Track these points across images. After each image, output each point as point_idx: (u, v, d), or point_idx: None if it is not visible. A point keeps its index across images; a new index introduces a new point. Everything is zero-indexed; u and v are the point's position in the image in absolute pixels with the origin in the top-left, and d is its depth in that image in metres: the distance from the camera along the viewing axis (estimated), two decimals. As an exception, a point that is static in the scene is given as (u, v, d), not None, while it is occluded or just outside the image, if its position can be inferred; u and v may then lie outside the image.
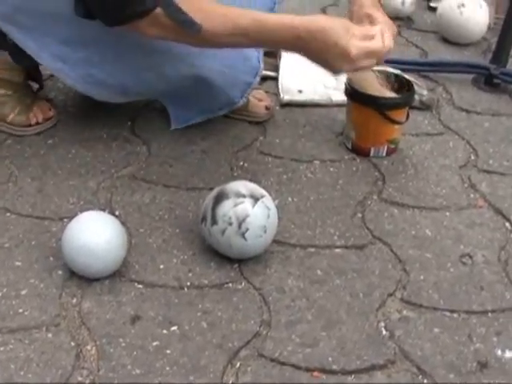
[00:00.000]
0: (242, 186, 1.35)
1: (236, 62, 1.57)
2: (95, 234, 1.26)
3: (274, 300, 1.30)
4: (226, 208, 1.31)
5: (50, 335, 1.19)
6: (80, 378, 1.12)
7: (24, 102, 1.68)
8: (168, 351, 1.18)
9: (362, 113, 1.69)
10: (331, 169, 1.69)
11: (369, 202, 1.59)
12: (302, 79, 1.98)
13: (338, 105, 1.93)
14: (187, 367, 1.15)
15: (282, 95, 1.93)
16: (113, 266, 1.29)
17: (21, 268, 1.32)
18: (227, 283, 1.33)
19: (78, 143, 1.68)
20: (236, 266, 1.37)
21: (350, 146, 1.75)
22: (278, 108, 1.92)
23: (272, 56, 2.07)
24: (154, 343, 1.19)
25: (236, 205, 1.31)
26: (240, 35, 1.33)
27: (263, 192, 1.36)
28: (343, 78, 1.90)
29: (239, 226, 1.30)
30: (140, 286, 1.31)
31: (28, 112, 1.68)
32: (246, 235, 1.31)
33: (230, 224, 1.30)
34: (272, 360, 1.18)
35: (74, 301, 1.26)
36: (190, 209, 1.51)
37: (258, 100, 1.83)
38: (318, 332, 1.24)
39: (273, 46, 1.59)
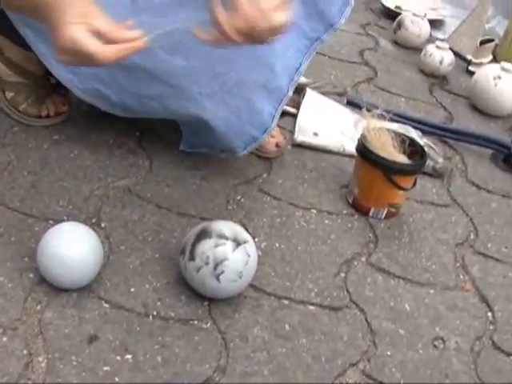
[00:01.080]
0: (228, 227, 1.36)
1: (244, 112, 1.55)
2: (71, 246, 1.28)
3: (235, 347, 1.31)
4: (206, 247, 1.32)
5: (4, 339, 1.21)
6: (23, 390, 1.14)
7: (39, 93, 1.70)
8: (116, 379, 1.19)
9: (369, 172, 1.70)
10: (326, 221, 1.70)
11: (355, 263, 1.60)
12: (320, 121, 2.00)
13: (351, 155, 1.93)
14: (131, 400, 1.17)
15: (296, 135, 1.94)
16: (83, 281, 1.31)
17: (-8, 263, 1.34)
18: (193, 320, 1.34)
19: (83, 144, 1.70)
20: (206, 303, 1.38)
21: (350, 201, 1.76)
22: (289, 147, 1.92)
23: (296, 92, 2.08)
24: (105, 368, 1.21)
25: (216, 246, 1.32)
26: None
27: (247, 237, 1.37)
28: (362, 128, 1.92)
29: (215, 267, 1.32)
30: (106, 305, 1.32)
31: (41, 104, 1.70)
32: (221, 277, 1.32)
33: (207, 264, 1.32)
34: (216, 410, 1.19)
35: (38, 307, 1.28)
36: (175, 235, 1.53)
37: (271, 136, 1.84)
38: (270, 390, 1.25)
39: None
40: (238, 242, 1.34)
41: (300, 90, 2.09)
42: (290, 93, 1.66)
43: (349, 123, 2.03)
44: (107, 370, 1.20)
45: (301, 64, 1.62)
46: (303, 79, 2.13)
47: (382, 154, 1.69)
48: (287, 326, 1.39)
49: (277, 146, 1.85)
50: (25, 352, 1.20)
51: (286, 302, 1.45)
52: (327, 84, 2.18)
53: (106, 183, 1.61)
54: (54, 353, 1.21)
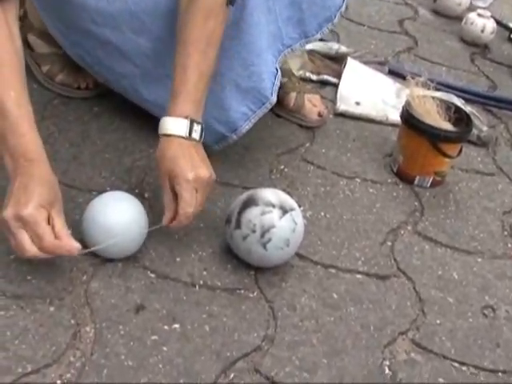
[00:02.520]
0: (274, 194, 1.33)
1: (209, 105, 1.37)
2: (116, 214, 1.25)
3: (283, 316, 1.28)
4: (253, 215, 1.29)
5: (52, 308, 1.19)
6: (72, 359, 1.12)
7: (74, 64, 1.67)
8: (165, 348, 1.17)
9: (414, 140, 1.65)
10: (371, 190, 1.66)
11: (402, 232, 1.55)
12: (361, 91, 1.95)
13: (393, 124, 1.89)
14: (180, 369, 1.14)
15: (338, 104, 1.90)
16: (128, 250, 1.28)
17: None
18: (239, 289, 1.31)
19: (123, 116, 1.67)
20: (252, 272, 1.35)
21: (395, 170, 1.71)
22: (331, 116, 1.88)
23: (337, 62, 2.04)
24: (153, 337, 1.18)
25: (263, 213, 1.29)
26: None
27: (294, 205, 1.33)
28: (405, 97, 1.87)
29: (262, 235, 1.28)
30: (152, 275, 1.30)
31: (77, 74, 1.68)
32: (268, 245, 1.29)
33: (254, 231, 1.28)
34: (267, 378, 1.16)
35: (84, 278, 1.26)
36: (219, 204, 1.50)
37: (313, 105, 1.80)
38: (319, 358, 1.22)
39: None
40: (284, 210, 1.30)
41: (341, 60, 2.05)
42: (274, 99, 1.53)
43: (391, 92, 1.98)
44: (155, 340, 1.18)
45: (277, 69, 1.52)
46: (344, 48, 2.08)
47: (428, 121, 1.64)
48: (335, 295, 1.35)
49: (319, 115, 1.80)
50: (72, 322, 1.17)
51: (333, 270, 1.41)
52: (368, 53, 2.13)
53: (147, 154, 1.58)
54: (102, 322, 1.18)
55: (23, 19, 1.69)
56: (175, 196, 1.27)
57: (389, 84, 2.01)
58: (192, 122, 1.29)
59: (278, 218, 1.29)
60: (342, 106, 1.89)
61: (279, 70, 1.52)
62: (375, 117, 1.89)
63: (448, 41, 2.48)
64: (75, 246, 1.16)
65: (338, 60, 2.04)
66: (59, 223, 1.17)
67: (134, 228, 1.26)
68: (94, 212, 1.26)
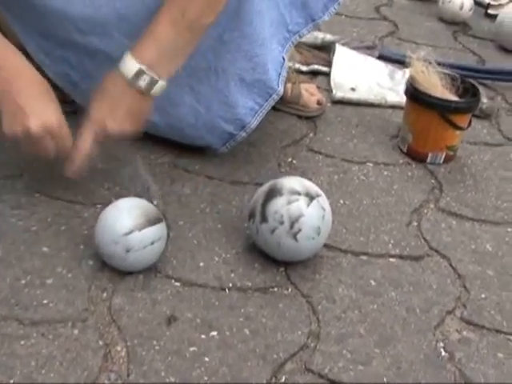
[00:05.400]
0: (297, 182, 1.21)
1: (214, 103, 1.28)
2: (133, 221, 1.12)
3: (324, 309, 1.16)
4: (279, 205, 1.16)
5: (75, 331, 1.05)
6: (107, 382, 0.98)
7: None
8: (206, 359, 1.03)
9: (423, 115, 1.55)
10: (385, 172, 1.55)
11: (425, 211, 1.44)
12: (355, 76, 1.84)
13: (393, 106, 1.79)
14: (227, 378, 1.01)
15: (334, 91, 1.79)
16: (148, 260, 1.15)
17: (48, 254, 1.18)
18: (272, 287, 1.19)
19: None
20: (282, 269, 1.23)
21: (405, 150, 1.60)
22: (329, 104, 1.77)
23: (324, 50, 1.93)
24: (191, 348, 1.05)
25: (289, 202, 1.16)
26: None
27: (319, 191, 1.21)
28: (399, 79, 1.76)
29: (291, 225, 1.16)
30: (177, 283, 1.17)
31: (58, 88, 1.53)
32: (298, 236, 1.16)
33: (282, 223, 1.16)
34: (321, 376, 1.04)
35: (105, 295, 1.12)
36: (233, 204, 1.37)
37: (310, 94, 1.69)
38: (371, 348, 1.10)
39: None
40: (311, 196, 1.18)
41: (328, 48, 1.94)
42: (281, 90, 1.42)
43: (384, 75, 1.88)
44: (194, 351, 1.05)
45: (283, 58, 1.41)
46: (329, 36, 1.97)
47: (435, 94, 1.53)
48: (372, 282, 1.23)
49: (318, 103, 1.69)
50: (100, 343, 1.04)
51: (365, 257, 1.29)
52: (354, 40, 2.02)
53: (148, 161, 1.45)
54: (133, 339, 1.05)
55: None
56: None
57: (381, 67, 1.91)
58: (140, 71, 1.20)
59: (305, 205, 1.17)
60: (338, 93, 1.78)
61: (286, 60, 1.40)
62: (373, 100, 1.79)
63: (427, 22, 2.39)
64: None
65: (325, 49, 1.93)
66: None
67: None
68: (109, 222, 1.13)
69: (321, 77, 1.89)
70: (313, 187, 1.21)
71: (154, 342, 1.05)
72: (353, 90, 1.80)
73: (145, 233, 1.12)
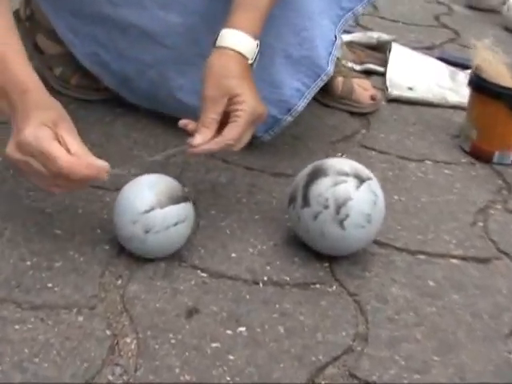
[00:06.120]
0: (345, 163, 1.03)
1: (257, 84, 1.07)
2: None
3: (374, 310, 0.96)
4: (323, 187, 0.98)
5: (80, 318, 0.88)
6: (111, 377, 0.80)
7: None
8: (231, 357, 0.85)
9: (489, 108, 1.35)
10: (446, 171, 1.35)
11: (491, 212, 1.24)
12: (413, 76, 1.65)
13: (454, 106, 1.59)
14: (254, 379, 0.82)
15: (390, 90, 1.60)
16: (171, 244, 0.97)
17: (60, 237, 1.02)
18: (314, 284, 1.00)
19: (150, 114, 1.38)
20: (326, 264, 1.04)
21: (468, 149, 1.40)
22: (384, 103, 1.58)
23: (379, 51, 1.75)
24: (214, 344, 0.86)
25: (336, 184, 0.98)
26: None
27: (370, 174, 1.03)
28: (461, 80, 1.57)
29: (337, 210, 0.97)
30: (204, 274, 0.99)
31: (94, 75, 1.38)
32: (345, 223, 0.97)
33: (326, 207, 0.97)
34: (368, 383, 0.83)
35: (119, 282, 0.95)
36: (274, 195, 1.19)
37: (363, 89, 1.50)
38: (428, 355, 0.90)
39: None
40: (361, 179, 0.99)
41: (383, 48, 1.76)
42: (331, 69, 1.25)
43: (445, 75, 1.69)
44: (217, 348, 0.86)
45: (336, 37, 1.25)
46: (385, 36, 1.79)
47: (503, 83, 1.33)
48: (431, 282, 1.03)
49: (372, 98, 1.50)
50: (108, 333, 0.86)
51: (423, 256, 1.09)
52: (412, 41, 1.84)
53: (183, 149, 1.27)
54: (146, 331, 0.87)
55: (30, 19, 1.42)
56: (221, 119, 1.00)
57: (441, 68, 1.72)
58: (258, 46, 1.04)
59: (354, 188, 0.98)
60: (394, 91, 1.59)
61: (339, 39, 1.23)
62: (433, 100, 1.59)
63: (492, 30, 2.19)
64: (102, 164, 0.90)
65: (381, 49, 1.75)
66: (75, 142, 0.89)
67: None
68: (130, 200, 0.96)
69: (375, 77, 1.70)
70: (364, 170, 1.03)
71: (170, 335, 0.87)
72: (410, 89, 1.61)
73: (167, 211, 0.95)
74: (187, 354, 0.84)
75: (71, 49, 1.32)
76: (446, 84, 1.64)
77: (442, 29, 2.15)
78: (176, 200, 0.96)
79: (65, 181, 0.90)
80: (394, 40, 1.80)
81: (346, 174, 0.99)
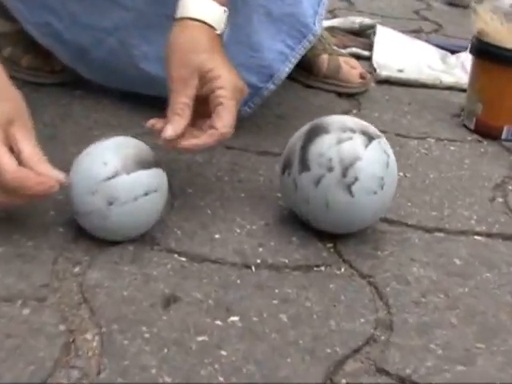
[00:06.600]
0: (348, 118, 0.83)
1: (232, 47, 0.91)
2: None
3: (394, 293, 0.76)
4: (325, 146, 0.79)
5: (26, 311, 0.66)
6: (65, 382, 0.58)
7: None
8: (223, 352, 0.64)
9: (496, 77, 1.18)
10: (451, 148, 1.17)
11: (510, 187, 1.05)
12: (402, 58, 1.49)
13: (450, 88, 1.41)
14: (255, 378, 0.61)
15: (378, 70, 1.42)
16: (140, 220, 0.76)
17: (4, 220, 0.80)
18: (318, 266, 0.80)
19: (113, 95, 1.18)
20: (330, 244, 0.85)
21: (472, 126, 1.22)
22: (373, 85, 1.40)
23: (363, 36, 1.58)
24: (200, 338, 0.65)
25: (340, 141, 0.78)
26: None
27: (378, 132, 0.83)
28: (453, 63, 1.40)
29: (344, 172, 0.77)
30: (182, 258, 0.78)
31: (49, 54, 1.18)
32: (354, 188, 0.78)
33: (330, 169, 0.78)
34: (401, 379, 0.64)
35: (77, 269, 0.74)
36: (260, 172, 1.00)
37: (351, 67, 1.32)
38: (470, 342, 0.70)
39: None
40: (369, 136, 0.80)
41: (366, 33, 1.58)
42: (318, 29, 1.07)
43: (435, 58, 1.52)
44: (204, 341, 0.65)
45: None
46: (368, 20, 1.62)
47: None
48: (457, 261, 0.84)
49: (361, 77, 1.32)
50: (61, 328, 0.65)
51: (441, 234, 0.90)
52: (395, 28, 1.67)
53: (149, 130, 1.07)
54: (111, 324, 0.66)
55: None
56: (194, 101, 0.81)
57: (431, 50, 1.55)
58: (225, 12, 0.85)
59: (362, 146, 0.79)
60: (384, 72, 1.41)
61: None
62: (425, 81, 1.42)
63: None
64: (54, 174, 0.70)
65: (363, 34, 1.58)
66: (28, 147, 0.71)
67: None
68: (85, 159, 0.75)
69: (360, 61, 1.51)
70: (370, 126, 0.84)
71: (144, 328, 0.66)
72: (400, 71, 1.43)
73: (135, 178, 0.74)
74: (166, 350, 0.64)
75: (21, 20, 1.12)
76: (437, 66, 1.48)
77: (424, 21, 1.99)
78: (146, 165, 0.76)
79: (8, 195, 0.71)
80: (379, 23, 1.62)
81: (352, 130, 0.80)
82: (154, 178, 0.76)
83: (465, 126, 1.25)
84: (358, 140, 0.79)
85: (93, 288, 0.71)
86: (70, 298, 0.70)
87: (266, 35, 1.03)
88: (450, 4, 2.19)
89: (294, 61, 1.05)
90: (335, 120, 0.82)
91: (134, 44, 1.08)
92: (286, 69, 1.04)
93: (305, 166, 0.79)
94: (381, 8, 2.01)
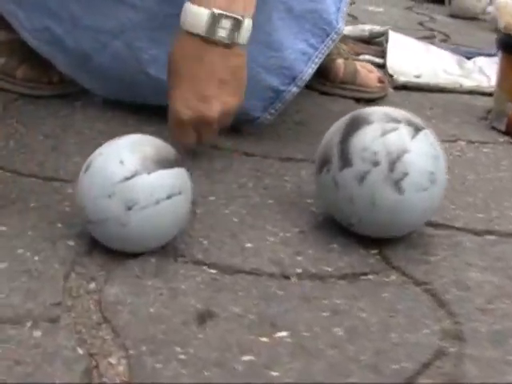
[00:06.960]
0: (391, 109, 0.74)
1: (251, 47, 0.84)
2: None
3: (456, 299, 0.66)
4: (369, 138, 0.69)
5: (37, 334, 0.55)
6: (89, 416, 0.47)
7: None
8: (273, 373, 0.53)
9: (528, 72, 1.08)
10: (484, 150, 1.08)
11: (554, 188, 0.96)
12: (417, 64, 1.41)
13: (471, 92, 1.33)
14: (318, 402, 0.50)
15: (395, 76, 1.33)
16: (164, 227, 0.66)
17: (5, 234, 0.70)
18: (365, 274, 0.70)
19: (118, 105, 1.08)
20: (375, 251, 0.74)
21: (503, 128, 1.14)
22: (391, 90, 1.31)
23: (374, 43, 1.50)
24: (246, 358, 0.55)
25: (385, 133, 0.69)
26: None
27: (423, 124, 0.74)
28: (470, 67, 1.32)
29: (391, 167, 0.68)
30: (212, 270, 0.67)
31: (46, 64, 1.09)
32: (403, 184, 0.68)
33: (376, 164, 0.68)
34: (485, 400, 0.53)
35: (92, 286, 0.63)
36: (286, 179, 0.90)
37: (368, 71, 1.24)
38: (556, 354, 0.59)
39: None
40: (415, 126, 0.70)
41: (379, 41, 1.50)
42: (342, 27, 0.99)
43: (452, 63, 1.44)
44: (251, 361, 0.54)
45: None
46: (378, 28, 1.54)
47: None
48: (519, 265, 0.74)
49: (379, 81, 1.23)
50: (80, 352, 0.54)
51: (492, 236, 0.80)
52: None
53: (164, 138, 0.97)
54: (139, 346, 0.55)
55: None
56: None
57: (447, 55, 1.47)
58: (217, 15, 0.76)
59: (409, 137, 0.69)
60: (401, 78, 1.32)
61: None
62: (445, 85, 1.33)
63: (481, 33, 1.96)
64: None
65: (374, 41, 1.49)
66: None
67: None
68: (98, 159, 0.65)
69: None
70: (415, 117, 0.74)
71: (178, 349, 0.55)
72: (417, 77, 1.35)
73: (156, 178, 0.64)
74: (206, 373, 0.53)
75: (13, 23, 1.02)
76: (454, 71, 1.39)
77: (430, 32, 1.92)
78: (167, 164, 0.65)
79: None
80: (389, 30, 1.54)
81: (396, 121, 0.70)
82: (177, 179, 0.66)
83: (494, 128, 1.16)
84: (404, 130, 0.70)
85: (113, 306, 0.60)
86: (87, 317, 0.59)
87: (286, 33, 0.94)
88: (453, 16, 2.12)
89: (318, 61, 0.96)
90: (376, 110, 0.72)
91: (141, 47, 0.99)
92: (310, 70, 0.95)
93: (346, 161, 0.70)
94: (384, 21, 1.93)
